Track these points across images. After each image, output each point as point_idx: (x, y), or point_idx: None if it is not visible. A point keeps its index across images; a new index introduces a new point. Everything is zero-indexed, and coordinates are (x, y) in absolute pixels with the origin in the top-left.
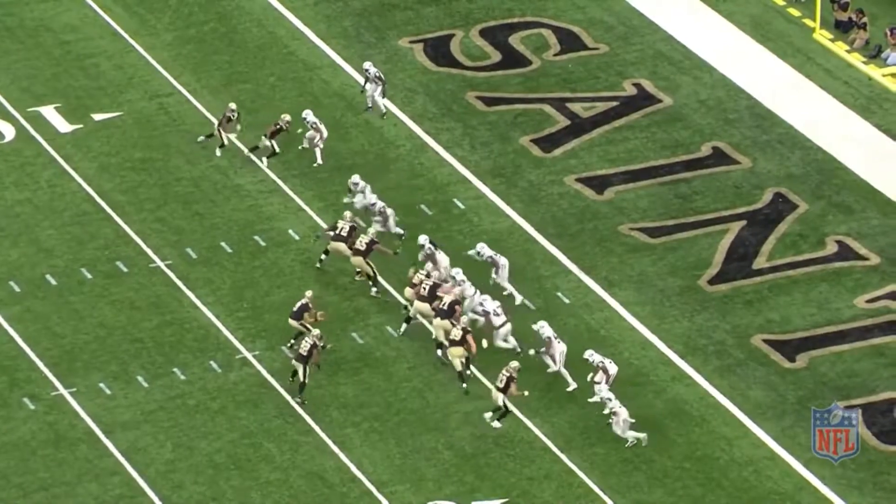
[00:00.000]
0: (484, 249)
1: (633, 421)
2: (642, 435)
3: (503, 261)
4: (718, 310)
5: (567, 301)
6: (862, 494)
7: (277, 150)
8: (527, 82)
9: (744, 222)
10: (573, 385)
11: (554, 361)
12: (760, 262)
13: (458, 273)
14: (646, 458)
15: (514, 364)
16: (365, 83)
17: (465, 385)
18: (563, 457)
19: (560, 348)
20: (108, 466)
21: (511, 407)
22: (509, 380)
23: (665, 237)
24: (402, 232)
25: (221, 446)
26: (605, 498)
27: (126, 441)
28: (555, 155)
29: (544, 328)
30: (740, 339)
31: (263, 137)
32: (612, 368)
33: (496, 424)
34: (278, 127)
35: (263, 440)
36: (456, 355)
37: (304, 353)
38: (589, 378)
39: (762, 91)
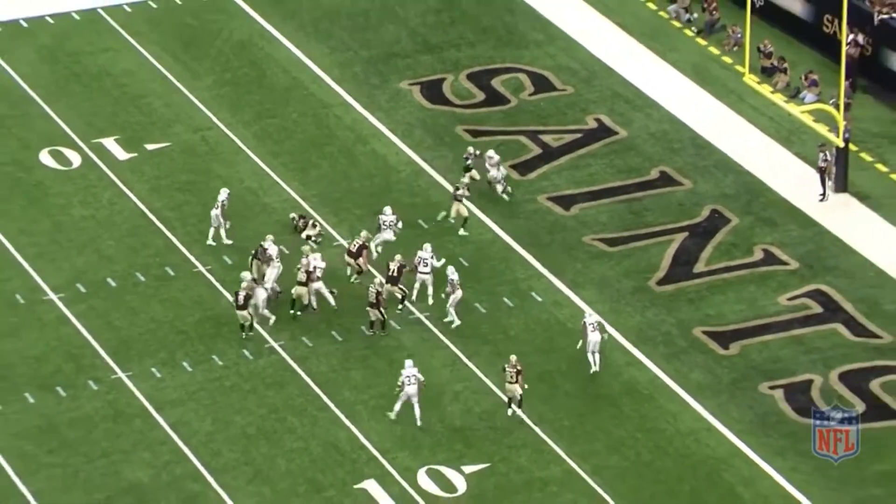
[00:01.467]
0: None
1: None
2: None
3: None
4: (665, 306)
5: (539, 300)
6: (784, 459)
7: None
8: (506, 117)
9: (686, 234)
10: (457, 322)
11: (447, 300)
12: (700, 267)
13: (451, 272)
14: (604, 430)
15: (514, 358)
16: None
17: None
18: (536, 429)
19: (457, 295)
20: (159, 437)
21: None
22: (518, 373)
23: (621, 246)
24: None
25: (252, 420)
26: (571, 463)
27: (173, 416)
28: (529, 178)
29: (453, 273)
30: (683, 331)
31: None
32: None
33: (518, 412)
34: (365, 245)
35: (287, 415)
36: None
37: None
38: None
39: (701, 125)
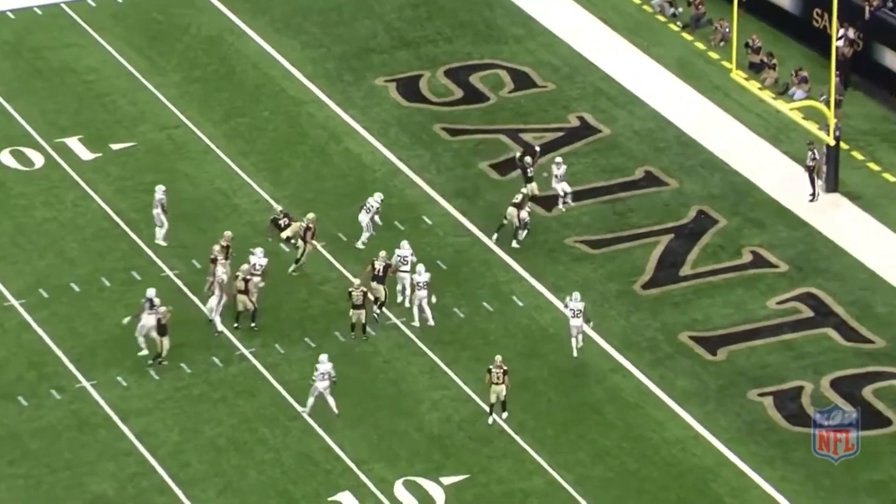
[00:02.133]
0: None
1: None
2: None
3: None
4: (650, 311)
5: (521, 304)
6: (773, 468)
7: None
8: (485, 115)
9: (672, 235)
10: (431, 321)
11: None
12: (686, 270)
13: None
14: (588, 439)
15: (500, 358)
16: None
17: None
18: (517, 438)
19: (421, 294)
20: (124, 448)
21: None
22: (504, 373)
23: (605, 248)
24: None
25: (222, 430)
26: (554, 473)
27: (139, 426)
28: (510, 178)
29: (421, 275)
30: (669, 336)
31: (301, 242)
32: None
33: (504, 415)
34: (309, 227)
35: (259, 425)
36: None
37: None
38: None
39: (687, 123)
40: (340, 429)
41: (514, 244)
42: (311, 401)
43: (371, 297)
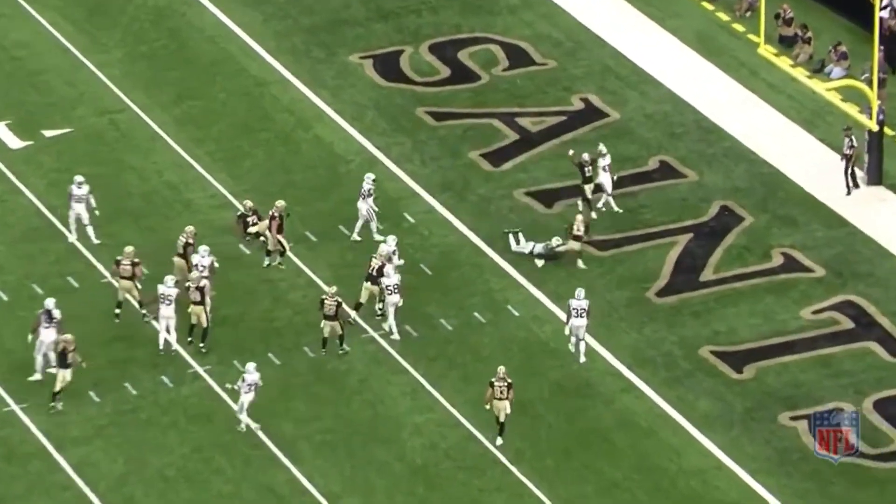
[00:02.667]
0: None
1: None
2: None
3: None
4: (666, 321)
5: (517, 314)
6: (807, 503)
7: (286, 246)
8: (476, 97)
9: (691, 235)
10: (395, 335)
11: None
12: (707, 275)
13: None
14: (595, 469)
15: (503, 370)
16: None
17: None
18: (513, 469)
19: (394, 300)
20: (60, 481)
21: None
22: (509, 387)
23: (613, 250)
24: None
25: (173, 460)
26: None
27: (77, 456)
28: (504, 169)
29: (390, 277)
30: (688, 351)
31: (269, 235)
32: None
33: (499, 441)
34: (274, 216)
35: (215, 454)
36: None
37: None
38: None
39: (708, 105)
40: (309, 458)
41: (539, 261)
42: (244, 417)
43: (343, 307)
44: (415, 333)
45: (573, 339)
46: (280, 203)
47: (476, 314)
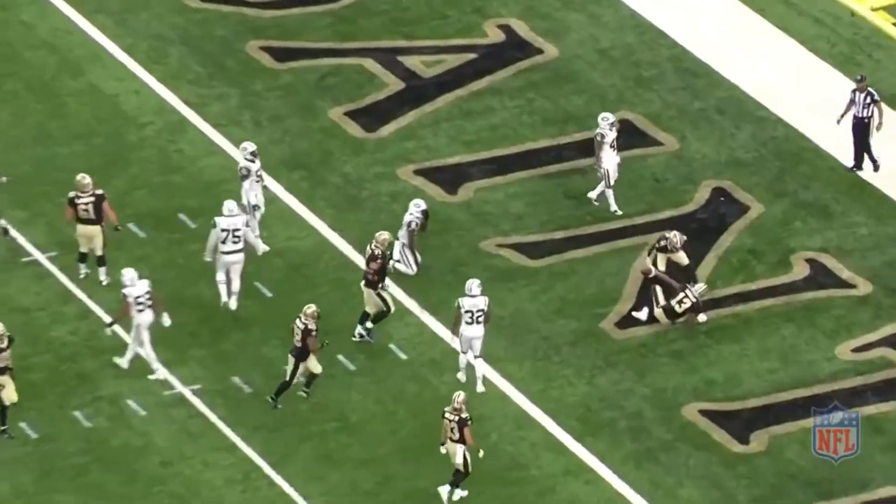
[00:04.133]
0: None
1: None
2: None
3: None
4: (633, 366)
5: (404, 356)
6: None
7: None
8: (339, 24)
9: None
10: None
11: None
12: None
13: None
14: None
15: (462, 397)
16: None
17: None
18: None
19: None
20: None
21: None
22: (462, 425)
23: (551, 257)
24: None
25: None
26: None
27: None
28: (383, 135)
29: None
30: (666, 411)
31: None
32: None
33: (456, 495)
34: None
35: None
36: None
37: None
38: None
39: (693, 36)
40: None
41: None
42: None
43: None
44: (247, 388)
45: (463, 359)
46: (385, 236)
47: (341, 358)
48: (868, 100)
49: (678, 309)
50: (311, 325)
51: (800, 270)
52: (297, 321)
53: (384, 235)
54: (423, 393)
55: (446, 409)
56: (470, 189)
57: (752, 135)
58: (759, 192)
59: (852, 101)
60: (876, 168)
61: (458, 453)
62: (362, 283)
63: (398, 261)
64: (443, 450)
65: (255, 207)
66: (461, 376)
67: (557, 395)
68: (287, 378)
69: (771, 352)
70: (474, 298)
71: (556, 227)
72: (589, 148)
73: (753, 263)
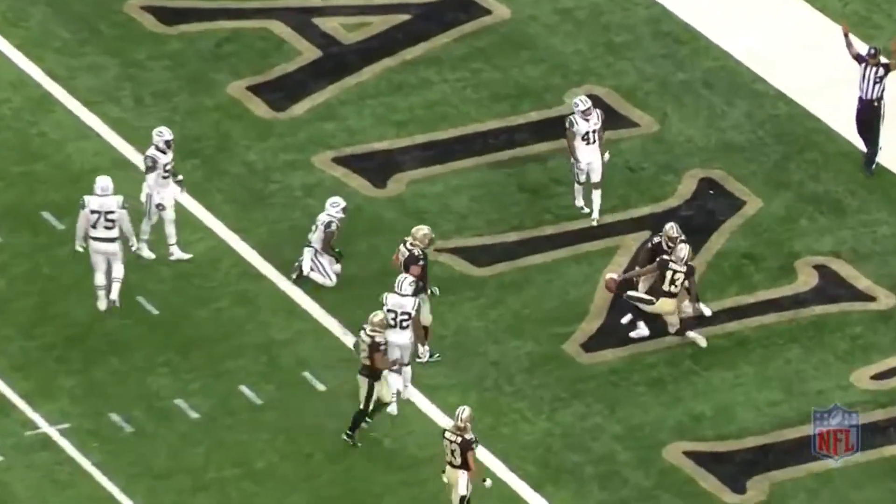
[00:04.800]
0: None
1: None
2: None
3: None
4: (602, 397)
5: (322, 387)
6: None
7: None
8: None
9: (645, 234)
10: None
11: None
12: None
13: None
14: None
15: (467, 413)
16: None
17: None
18: None
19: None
20: None
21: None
22: (466, 448)
23: (502, 264)
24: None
25: None
26: None
27: None
28: (295, 115)
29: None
30: (644, 452)
31: None
32: None
33: None
34: None
35: None
36: None
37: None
38: None
39: None
40: None
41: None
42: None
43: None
44: (127, 427)
45: (393, 376)
46: (424, 231)
47: (244, 389)
48: (879, 75)
49: (673, 289)
50: (380, 338)
51: (806, 279)
52: (363, 333)
53: (423, 230)
54: (345, 428)
55: (446, 427)
56: (402, 181)
57: (747, 113)
58: (756, 184)
59: (865, 77)
60: (869, 164)
61: (462, 482)
62: None
63: (312, 269)
64: (444, 478)
65: (160, 207)
66: (393, 408)
67: (510, 433)
68: (362, 405)
69: (772, 380)
70: (402, 298)
71: (509, 228)
72: (547, 129)
73: (750, 271)
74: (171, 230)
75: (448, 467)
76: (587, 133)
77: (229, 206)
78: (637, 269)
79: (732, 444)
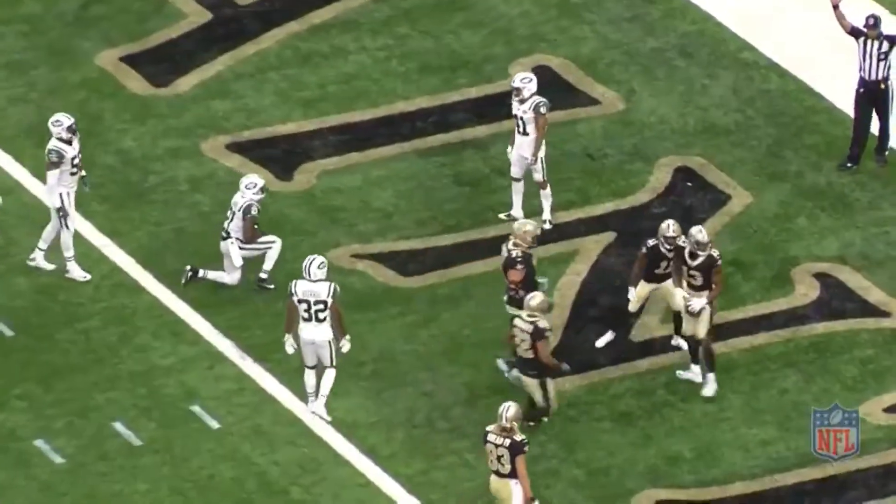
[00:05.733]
0: None
1: None
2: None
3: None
4: (559, 436)
5: (215, 424)
6: None
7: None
8: None
9: (611, 237)
10: None
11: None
12: (651, 324)
13: None
14: None
15: (513, 410)
16: None
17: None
18: None
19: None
20: None
21: None
22: (517, 451)
23: (434, 272)
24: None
25: None
26: None
27: None
28: (180, 91)
29: None
30: (609, 501)
31: None
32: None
33: None
34: None
35: None
36: None
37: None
38: None
39: None
40: None
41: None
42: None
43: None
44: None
45: (310, 378)
46: (531, 225)
47: (118, 427)
48: (882, 50)
49: (694, 282)
50: (544, 323)
51: (806, 290)
52: (519, 321)
53: (527, 227)
54: (244, 478)
55: (489, 428)
56: (312, 172)
57: (732, 88)
58: (744, 175)
59: (865, 54)
60: (851, 160)
61: (515, 495)
62: (504, 299)
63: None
64: (492, 491)
65: (63, 214)
66: (310, 404)
67: (445, 479)
68: (541, 402)
69: (764, 413)
70: (313, 284)
71: (442, 229)
72: (488, 109)
73: (737, 281)
74: (68, 241)
75: (493, 477)
76: (529, 109)
77: (100, 205)
78: (674, 277)
79: (716, 492)
